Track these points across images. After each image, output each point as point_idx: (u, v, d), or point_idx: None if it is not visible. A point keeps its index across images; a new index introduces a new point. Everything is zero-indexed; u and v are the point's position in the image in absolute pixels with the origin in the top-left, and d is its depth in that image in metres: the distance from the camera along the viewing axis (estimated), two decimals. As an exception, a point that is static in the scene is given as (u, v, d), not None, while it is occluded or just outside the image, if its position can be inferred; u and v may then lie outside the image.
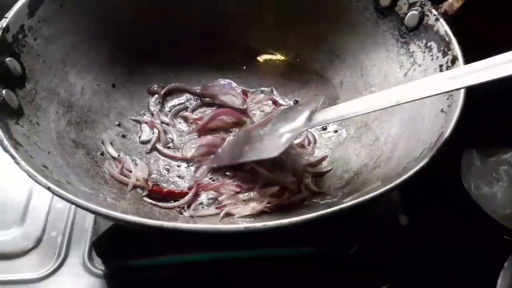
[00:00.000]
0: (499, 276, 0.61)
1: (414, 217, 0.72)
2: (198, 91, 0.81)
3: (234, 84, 0.81)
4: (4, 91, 0.54)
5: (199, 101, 0.81)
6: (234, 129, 0.77)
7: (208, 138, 0.74)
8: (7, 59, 0.57)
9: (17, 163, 0.46)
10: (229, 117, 0.77)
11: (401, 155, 0.59)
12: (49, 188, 0.44)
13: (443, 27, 0.63)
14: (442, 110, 0.58)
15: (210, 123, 0.75)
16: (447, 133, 0.52)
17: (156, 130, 0.74)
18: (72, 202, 0.44)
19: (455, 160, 0.80)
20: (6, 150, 0.47)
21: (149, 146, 0.72)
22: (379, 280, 0.65)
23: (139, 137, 0.74)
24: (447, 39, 0.62)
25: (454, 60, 0.60)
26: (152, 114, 0.77)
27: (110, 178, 0.63)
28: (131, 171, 0.64)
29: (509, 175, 0.77)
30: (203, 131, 0.75)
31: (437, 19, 0.64)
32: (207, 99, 0.81)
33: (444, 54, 0.62)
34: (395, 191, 0.65)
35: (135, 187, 0.65)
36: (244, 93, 0.81)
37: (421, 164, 0.49)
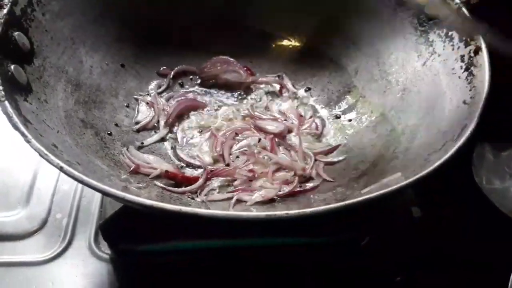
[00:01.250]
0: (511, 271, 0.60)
1: (426, 210, 0.71)
2: (197, 73, 0.79)
3: (231, 60, 0.79)
4: (12, 66, 0.52)
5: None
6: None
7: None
8: (15, 33, 0.54)
9: (28, 142, 0.44)
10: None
11: (420, 146, 0.58)
12: (61, 168, 0.42)
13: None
14: (464, 102, 0.56)
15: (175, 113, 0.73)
16: (471, 126, 0.51)
17: (152, 112, 0.72)
18: (85, 183, 0.42)
19: (467, 153, 0.78)
20: (16, 127, 0.45)
21: (137, 126, 0.70)
22: (391, 272, 0.64)
23: (135, 117, 0.72)
24: (469, 28, 0.60)
25: (477, 50, 0.59)
26: (143, 96, 0.75)
27: (119, 160, 0.61)
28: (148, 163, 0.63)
29: (523, 170, 0.76)
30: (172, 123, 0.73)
31: (459, 8, 0.62)
32: (212, 81, 0.79)
33: (467, 44, 0.60)
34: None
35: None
36: (247, 68, 0.79)
37: (446, 157, 0.47)
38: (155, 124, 0.71)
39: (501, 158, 0.79)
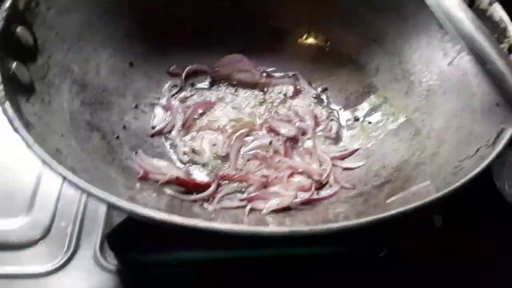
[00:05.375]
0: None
1: (447, 218, 0.67)
2: (209, 72, 0.76)
3: (244, 58, 0.75)
4: (14, 64, 0.48)
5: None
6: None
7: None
8: (18, 28, 0.51)
9: (30, 147, 0.41)
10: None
11: (449, 151, 0.54)
12: (65, 178, 0.39)
13: (497, 12, 0.57)
14: (497, 104, 0.52)
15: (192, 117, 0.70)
16: (510, 130, 0.46)
17: (169, 116, 0.69)
18: (92, 195, 0.38)
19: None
20: (17, 131, 0.42)
21: (153, 131, 0.67)
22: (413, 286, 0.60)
23: (151, 121, 0.69)
24: (502, 25, 0.56)
25: (510, 48, 0.55)
26: (159, 98, 0.72)
27: (127, 165, 0.58)
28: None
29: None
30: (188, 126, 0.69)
31: (490, 3, 0.58)
32: (224, 80, 0.76)
33: (499, 42, 0.56)
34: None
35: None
36: (262, 70, 0.76)
37: (483, 165, 0.44)
38: (171, 129, 0.68)
39: (524, 161, 0.75)
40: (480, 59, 0.50)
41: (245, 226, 0.36)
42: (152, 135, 0.66)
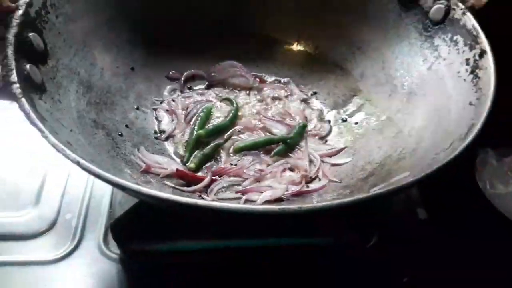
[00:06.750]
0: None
1: (432, 213, 0.72)
2: (205, 77, 0.81)
3: (239, 64, 0.80)
4: (28, 66, 0.53)
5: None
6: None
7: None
8: (31, 34, 0.55)
9: (45, 137, 0.45)
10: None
11: (428, 147, 0.59)
12: (78, 163, 0.43)
13: (470, 21, 0.63)
14: (470, 103, 0.57)
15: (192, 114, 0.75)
16: (479, 125, 0.51)
17: (175, 119, 0.74)
18: (102, 178, 0.42)
19: (471, 159, 0.79)
20: (33, 123, 0.46)
21: (164, 135, 0.72)
22: (398, 273, 0.64)
23: (158, 125, 0.73)
24: (474, 33, 0.62)
25: (482, 53, 0.60)
26: (161, 102, 0.76)
27: (130, 160, 0.62)
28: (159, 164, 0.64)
29: (526, 175, 0.77)
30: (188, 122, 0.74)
31: (464, 13, 0.64)
32: (219, 85, 0.81)
33: (471, 48, 0.61)
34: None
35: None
36: (256, 76, 0.82)
37: (454, 154, 0.48)
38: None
39: (504, 163, 0.79)
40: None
41: (238, 205, 0.40)
42: (166, 138, 0.71)
